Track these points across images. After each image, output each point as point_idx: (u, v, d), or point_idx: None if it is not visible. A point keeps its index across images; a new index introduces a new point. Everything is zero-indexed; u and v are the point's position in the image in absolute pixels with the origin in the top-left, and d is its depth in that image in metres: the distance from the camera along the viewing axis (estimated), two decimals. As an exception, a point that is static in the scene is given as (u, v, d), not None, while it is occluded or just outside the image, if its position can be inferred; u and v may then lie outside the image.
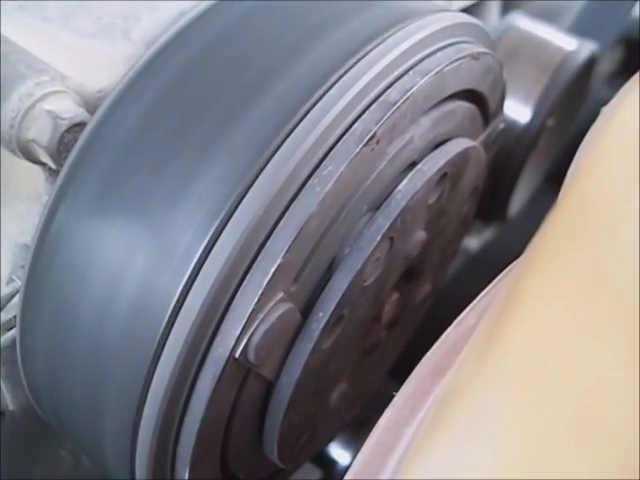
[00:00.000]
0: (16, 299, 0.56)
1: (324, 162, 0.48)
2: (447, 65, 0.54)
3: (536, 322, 0.35)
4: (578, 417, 0.31)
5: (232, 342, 0.47)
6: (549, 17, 0.98)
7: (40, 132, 0.51)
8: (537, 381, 0.33)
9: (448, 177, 0.59)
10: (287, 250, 0.47)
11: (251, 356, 0.47)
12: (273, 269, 0.47)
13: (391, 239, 0.55)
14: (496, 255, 1.00)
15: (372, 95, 0.50)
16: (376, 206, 0.54)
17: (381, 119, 0.49)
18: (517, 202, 0.97)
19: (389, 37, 0.52)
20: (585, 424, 0.31)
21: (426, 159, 0.57)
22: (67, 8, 0.58)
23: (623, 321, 0.33)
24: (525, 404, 0.33)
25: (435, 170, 0.57)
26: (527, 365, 0.34)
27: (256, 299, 0.46)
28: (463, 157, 0.60)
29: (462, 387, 0.36)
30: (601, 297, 0.35)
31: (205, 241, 0.46)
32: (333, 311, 0.52)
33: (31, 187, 0.57)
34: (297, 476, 0.73)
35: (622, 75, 1.17)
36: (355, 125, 0.49)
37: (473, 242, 1.06)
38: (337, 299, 0.52)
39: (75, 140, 0.51)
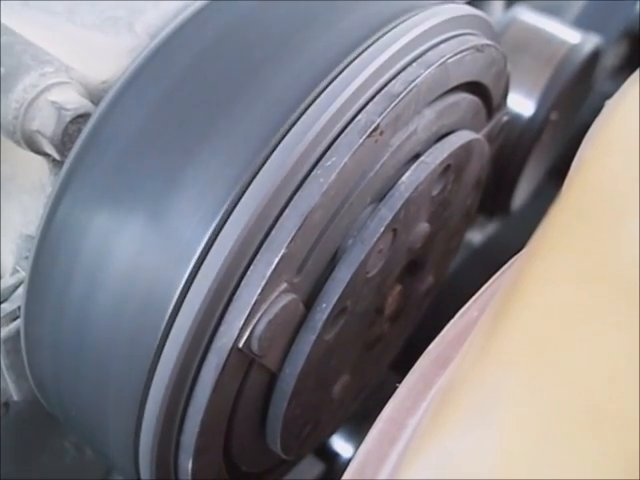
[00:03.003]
0: (20, 290, 0.56)
1: (328, 153, 0.48)
2: (451, 57, 0.54)
3: (538, 310, 0.35)
4: (582, 403, 0.32)
5: (235, 332, 0.47)
6: (553, 10, 0.98)
7: (44, 123, 0.52)
8: (540, 368, 0.33)
9: (452, 169, 0.59)
10: (290, 241, 0.47)
11: (254, 347, 0.48)
12: (277, 260, 0.47)
13: (394, 231, 0.55)
14: (499, 249, 1.00)
15: (376, 86, 0.50)
16: (379, 197, 0.54)
17: (385, 110, 0.49)
18: (520, 196, 0.97)
19: (393, 28, 0.52)
20: (589, 410, 0.31)
21: (430, 151, 0.57)
22: (71, 1, 0.58)
23: (626, 308, 0.33)
24: (528, 391, 0.33)
25: (439, 162, 0.57)
26: (530, 353, 0.34)
27: (259, 290, 0.47)
28: (467, 149, 0.60)
29: (465, 377, 0.36)
30: (604, 285, 0.35)
31: (209, 232, 0.46)
32: (336, 302, 0.52)
33: (35, 178, 0.57)
34: (299, 468, 0.73)
35: (626, 69, 1.17)
36: (359, 116, 0.49)
37: (476, 236, 1.06)
38: (340, 290, 0.52)
39: (79, 131, 0.52)
